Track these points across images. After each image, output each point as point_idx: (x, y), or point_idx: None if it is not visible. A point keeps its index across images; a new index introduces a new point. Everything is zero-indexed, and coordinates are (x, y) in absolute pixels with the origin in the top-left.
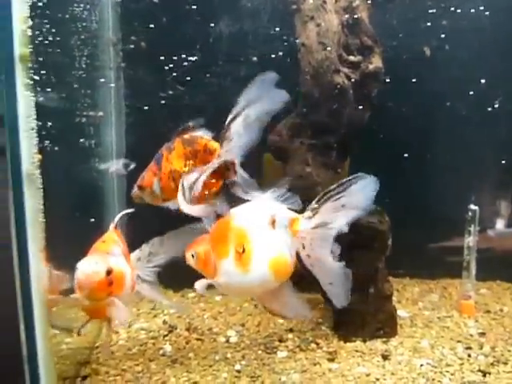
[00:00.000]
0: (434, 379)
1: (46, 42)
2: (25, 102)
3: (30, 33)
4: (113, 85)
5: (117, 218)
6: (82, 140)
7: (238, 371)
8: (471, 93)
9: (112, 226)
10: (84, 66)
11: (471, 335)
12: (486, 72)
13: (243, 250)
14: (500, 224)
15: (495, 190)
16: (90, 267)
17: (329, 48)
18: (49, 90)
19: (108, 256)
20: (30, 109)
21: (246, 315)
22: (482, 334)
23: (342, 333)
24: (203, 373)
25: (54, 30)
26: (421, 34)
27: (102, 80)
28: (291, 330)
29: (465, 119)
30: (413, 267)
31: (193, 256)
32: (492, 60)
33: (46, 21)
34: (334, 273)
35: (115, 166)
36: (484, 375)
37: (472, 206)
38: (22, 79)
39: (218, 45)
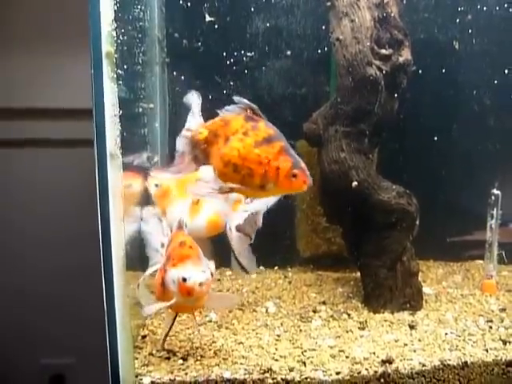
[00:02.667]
0: (457, 346)
1: (118, 41)
2: (110, 93)
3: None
4: (159, 79)
5: (182, 219)
6: (137, 129)
7: (278, 335)
8: (495, 82)
9: (177, 226)
10: (140, 60)
11: (492, 311)
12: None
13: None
14: None
15: None
16: (202, 276)
17: (362, 42)
18: (120, 83)
19: (203, 260)
20: (114, 98)
21: (282, 290)
22: (503, 310)
23: (371, 305)
24: (248, 335)
25: (122, 30)
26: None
27: (151, 74)
28: (324, 303)
29: (490, 108)
30: (437, 251)
31: (156, 186)
32: None
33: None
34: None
35: (138, 159)
36: (504, 344)
37: (494, 191)
38: (108, 73)
39: (257, 41)
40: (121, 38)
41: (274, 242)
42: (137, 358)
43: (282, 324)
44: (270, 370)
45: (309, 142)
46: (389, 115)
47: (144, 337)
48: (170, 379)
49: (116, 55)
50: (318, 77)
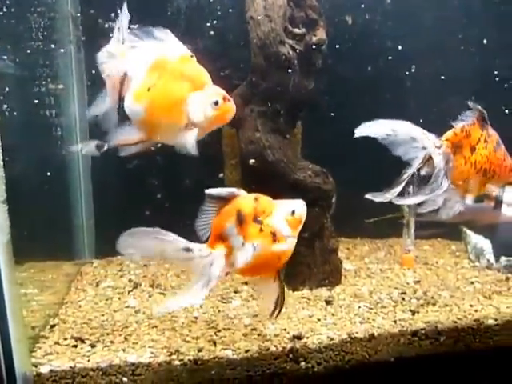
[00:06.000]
0: (368, 318)
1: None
2: None
3: None
4: (74, 58)
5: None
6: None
7: (196, 317)
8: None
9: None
10: (42, 37)
11: (407, 283)
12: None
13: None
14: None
15: None
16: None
17: (275, 21)
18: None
19: None
20: None
21: None
22: (418, 282)
23: (291, 283)
24: (162, 319)
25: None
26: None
27: (61, 53)
28: (246, 283)
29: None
30: (363, 229)
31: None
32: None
33: None
34: None
35: (87, 147)
36: (413, 314)
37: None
38: None
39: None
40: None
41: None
42: (40, 348)
43: (201, 306)
44: (178, 351)
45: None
46: (305, 95)
47: (53, 326)
48: (71, 367)
49: None
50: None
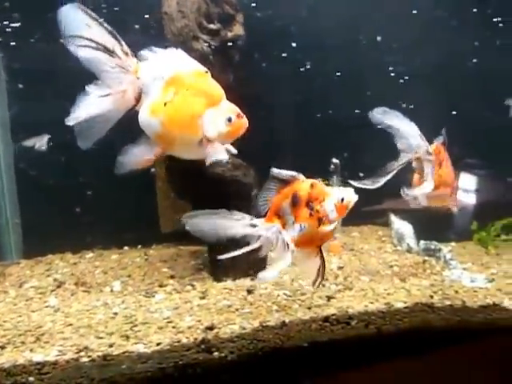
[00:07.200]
0: (285, 306)
1: None
2: None
3: None
4: None
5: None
6: None
7: (115, 313)
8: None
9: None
10: None
11: (331, 269)
12: None
13: None
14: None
15: None
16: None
17: (188, 17)
18: None
19: None
20: None
21: (136, 267)
22: (340, 268)
23: (216, 275)
24: (80, 317)
25: None
26: None
27: None
28: (173, 277)
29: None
30: None
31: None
32: None
33: None
34: None
35: (38, 142)
36: (328, 300)
37: (334, 160)
38: None
39: None
40: None
41: (136, 222)
42: None
43: (123, 302)
44: (87, 348)
45: None
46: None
47: None
48: None
49: None
50: None
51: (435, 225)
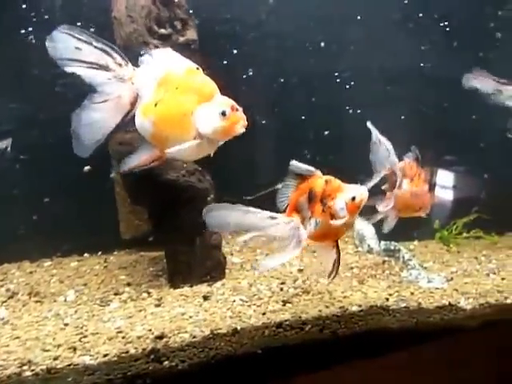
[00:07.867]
0: (240, 312)
1: None
2: None
3: None
4: None
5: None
6: None
7: (66, 324)
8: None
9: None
10: None
11: (291, 272)
12: None
13: None
14: None
15: None
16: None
17: (137, 21)
18: None
19: None
20: None
21: (93, 275)
22: (300, 271)
23: (173, 281)
24: (28, 329)
25: None
26: None
27: None
28: (129, 284)
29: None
30: None
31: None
32: None
33: None
34: None
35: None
36: (284, 304)
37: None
38: None
39: None
40: None
41: (95, 229)
42: None
43: (76, 311)
44: (30, 361)
45: None
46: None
47: None
48: None
49: None
50: None
51: (399, 224)
